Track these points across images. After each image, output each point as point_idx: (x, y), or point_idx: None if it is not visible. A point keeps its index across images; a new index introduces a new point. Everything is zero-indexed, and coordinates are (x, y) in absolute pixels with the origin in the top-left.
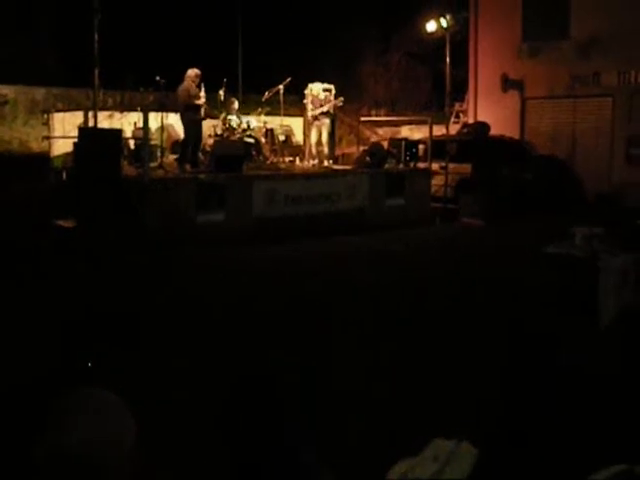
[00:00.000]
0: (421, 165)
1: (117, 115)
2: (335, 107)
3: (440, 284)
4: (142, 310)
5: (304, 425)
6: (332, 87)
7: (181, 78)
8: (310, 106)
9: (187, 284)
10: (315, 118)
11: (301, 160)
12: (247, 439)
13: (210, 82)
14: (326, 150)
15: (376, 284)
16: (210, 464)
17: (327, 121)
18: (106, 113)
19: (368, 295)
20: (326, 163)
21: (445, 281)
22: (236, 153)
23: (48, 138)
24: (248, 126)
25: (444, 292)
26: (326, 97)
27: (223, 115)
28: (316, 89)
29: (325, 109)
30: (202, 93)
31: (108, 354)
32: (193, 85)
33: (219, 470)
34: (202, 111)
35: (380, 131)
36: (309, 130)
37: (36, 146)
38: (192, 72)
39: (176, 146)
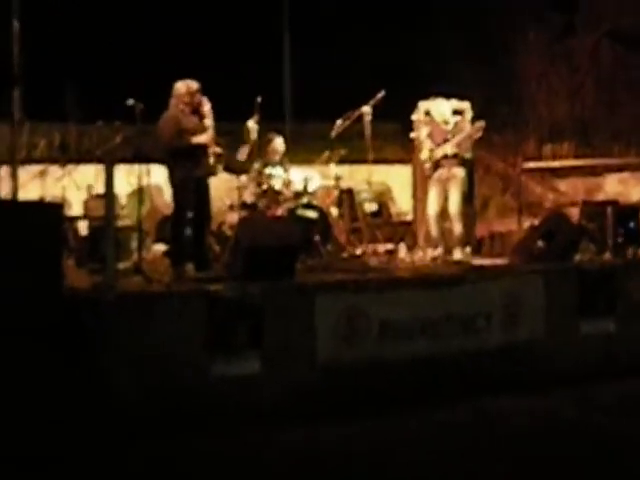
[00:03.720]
0: None
1: (54, 172)
2: (473, 140)
3: None
4: None
5: None
6: (466, 106)
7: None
8: (427, 143)
9: None
10: (437, 166)
11: (410, 250)
12: None
13: (226, 105)
14: (458, 228)
15: None
16: None
17: (460, 172)
18: (34, 168)
19: None
20: (459, 254)
21: None
22: (283, 242)
23: None
24: (305, 187)
25: None
26: (457, 125)
27: (257, 167)
28: (437, 111)
29: (454, 148)
30: (208, 122)
31: None
32: (186, 110)
33: None
34: (210, 158)
35: (563, 186)
36: (424, 190)
37: None
38: (183, 87)
39: (166, 228)
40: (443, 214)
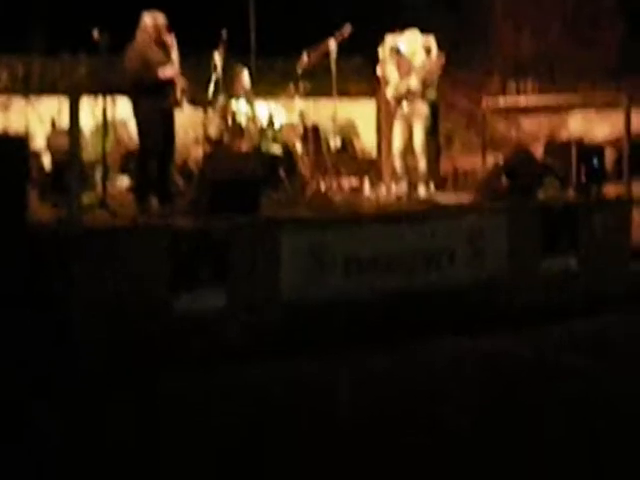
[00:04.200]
0: (610, 190)
1: (17, 103)
2: (436, 76)
3: None
4: None
5: None
6: (432, 42)
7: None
8: (393, 78)
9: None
10: (401, 100)
11: (374, 185)
12: None
13: (191, 37)
14: (422, 164)
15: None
16: None
17: (424, 108)
18: None
19: None
20: (423, 190)
21: None
22: (248, 176)
23: None
24: (270, 122)
25: None
26: (423, 62)
27: (222, 100)
28: (404, 44)
29: (418, 84)
30: (174, 56)
31: None
32: (152, 43)
33: None
34: (177, 92)
35: (527, 124)
36: (389, 126)
37: None
38: (149, 19)
39: (131, 162)
40: (407, 150)
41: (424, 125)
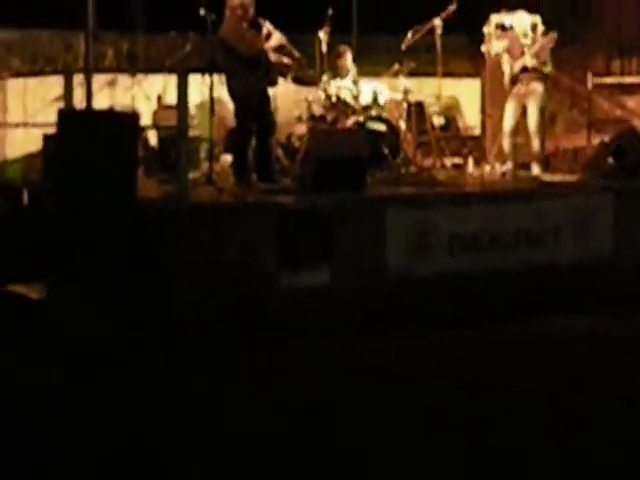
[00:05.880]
0: None
1: (124, 81)
2: (549, 52)
3: None
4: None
5: None
6: (538, 19)
7: None
8: (506, 58)
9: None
10: (515, 80)
11: (477, 164)
12: None
13: (296, 16)
14: (536, 143)
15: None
16: None
17: (539, 86)
18: (103, 78)
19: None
20: (536, 169)
21: None
22: (353, 153)
23: None
24: (374, 100)
25: None
26: (534, 39)
27: (326, 78)
28: (518, 23)
29: (533, 61)
30: (274, 32)
31: None
32: (242, 21)
33: None
34: (271, 70)
35: (631, 103)
36: (494, 104)
37: None
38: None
39: (232, 139)
40: (516, 130)
41: (539, 104)
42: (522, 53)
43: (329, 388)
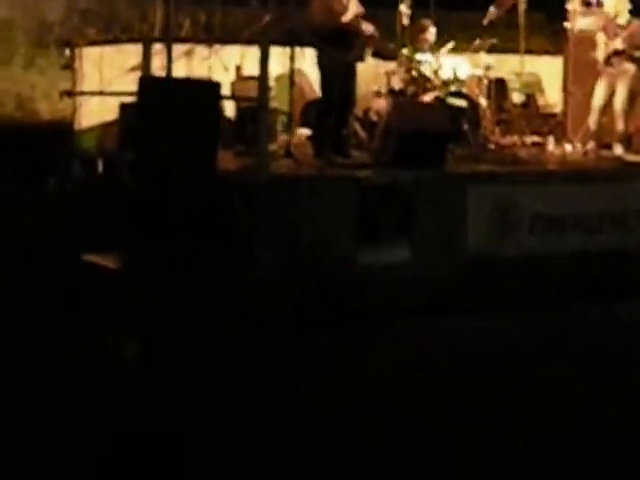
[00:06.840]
0: None
1: (201, 52)
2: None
3: None
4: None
5: None
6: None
7: None
8: (601, 37)
9: (339, 401)
10: (609, 60)
11: (558, 143)
12: None
13: None
14: (621, 124)
15: None
16: None
17: (631, 68)
18: (181, 47)
19: None
20: (620, 150)
21: None
22: (434, 129)
23: (71, 95)
24: (455, 75)
25: None
26: (629, 21)
27: (406, 53)
28: (614, 3)
29: (624, 44)
30: (355, 6)
31: None
32: None
33: None
34: (358, 44)
35: None
36: (577, 82)
37: (48, 109)
38: None
39: (310, 112)
40: (603, 110)
41: (629, 85)
42: (616, 34)
43: (410, 371)
